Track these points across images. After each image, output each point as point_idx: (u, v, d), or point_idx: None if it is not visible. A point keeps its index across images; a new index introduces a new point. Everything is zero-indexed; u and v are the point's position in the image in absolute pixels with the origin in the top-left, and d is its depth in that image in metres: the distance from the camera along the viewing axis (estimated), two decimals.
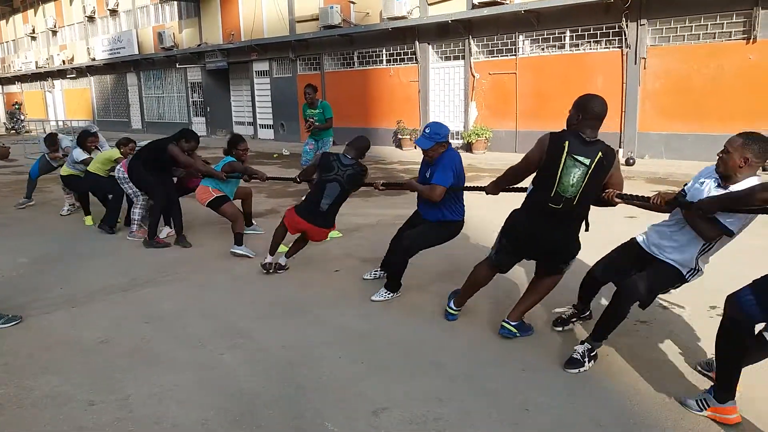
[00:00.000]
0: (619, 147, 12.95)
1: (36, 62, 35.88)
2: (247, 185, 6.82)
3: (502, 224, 3.87)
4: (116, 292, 5.11)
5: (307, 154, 9.08)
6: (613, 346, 3.75)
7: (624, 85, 12.90)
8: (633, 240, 3.70)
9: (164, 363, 3.71)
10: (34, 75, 36.40)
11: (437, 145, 4.45)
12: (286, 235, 5.38)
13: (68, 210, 8.55)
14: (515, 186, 4.08)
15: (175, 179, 6.87)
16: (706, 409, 2.97)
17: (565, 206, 3.43)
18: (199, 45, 23.87)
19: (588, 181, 3.37)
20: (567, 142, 3.36)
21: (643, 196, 3.48)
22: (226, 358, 3.77)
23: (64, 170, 7.91)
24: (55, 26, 33.98)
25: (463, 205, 4.70)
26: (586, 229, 3.68)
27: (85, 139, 7.67)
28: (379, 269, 5.28)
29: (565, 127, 3.48)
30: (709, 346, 3.67)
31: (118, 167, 6.92)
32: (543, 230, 3.59)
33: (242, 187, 6.86)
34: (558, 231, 3.59)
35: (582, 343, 3.56)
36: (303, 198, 5.47)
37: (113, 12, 28.59)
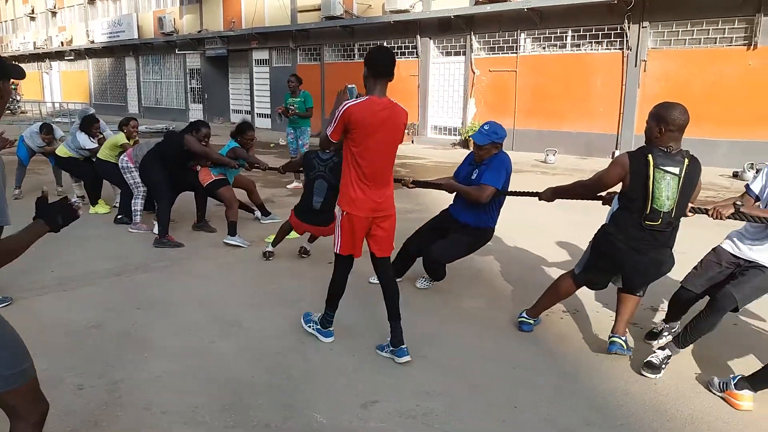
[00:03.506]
0: (616, 149, 12.98)
1: (34, 43, 35.64)
2: (247, 174, 6.79)
3: (591, 240, 3.70)
4: (109, 277, 5.10)
5: (291, 143, 9.86)
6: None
7: (623, 87, 12.93)
8: (719, 248, 3.62)
9: (155, 349, 3.71)
10: (31, 56, 36.16)
11: (491, 144, 4.34)
12: (291, 230, 5.47)
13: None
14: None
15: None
16: (724, 391, 3.15)
17: (663, 221, 3.26)
18: (199, 31, 23.75)
19: (681, 191, 3.23)
20: (650, 156, 3.20)
21: (706, 209, 3.48)
22: (217, 346, 3.76)
23: (62, 151, 7.67)
24: (54, 7, 33.76)
25: (499, 213, 4.57)
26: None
27: (91, 125, 7.48)
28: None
29: (645, 141, 3.32)
30: (704, 347, 3.70)
31: (122, 157, 6.71)
32: (642, 250, 3.39)
33: (243, 177, 6.85)
34: (657, 250, 3.39)
35: (662, 348, 3.49)
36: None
37: None
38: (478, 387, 3.29)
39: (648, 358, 3.46)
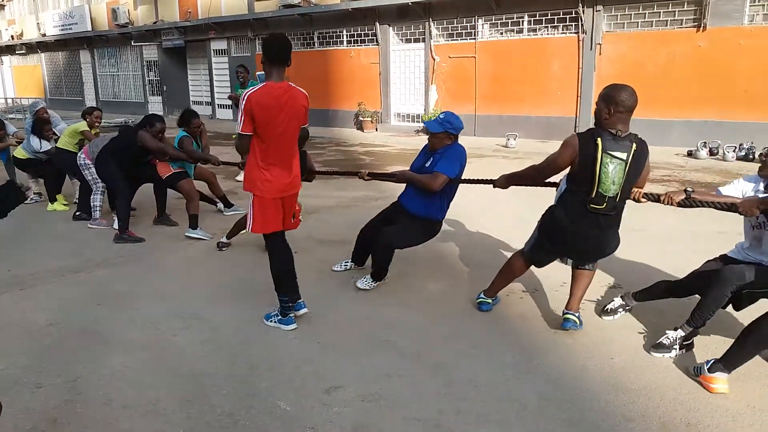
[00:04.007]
0: (575, 131, 13.20)
1: None
2: (207, 165, 6.74)
3: (539, 220, 3.79)
4: (67, 274, 5.02)
5: None
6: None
7: (580, 70, 13.14)
8: (724, 256, 3.62)
9: (115, 344, 3.68)
10: None
11: (445, 134, 4.31)
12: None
13: (33, 199, 7.88)
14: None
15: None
16: (698, 375, 3.16)
17: (609, 205, 3.34)
18: (155, 22, 23.23)
19: (627, 176, 3.29)
20: (599, 139, 3.24)
21: (659, 195, 3.52)
22: (178, 339, 3.75)
23: (20, 153, 7.50)
24: (2, 0, 32.56)
25: (449, 206, 4.56)
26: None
27: (42, 127, 7.29)
28: (349, 261, 5.05)
29: (594, 122, 3.37)
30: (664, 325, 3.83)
31: (79, 154, 6.58)
32: (587, 232, 3.48)
33: (203, 168, 6.78)
34: (602, 231, 3.48)
35: (675, 329, 3.48)
36: None
37: None
38: (439, 368, 3.36)
39: (659, 339, 3.49)
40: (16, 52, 32.24)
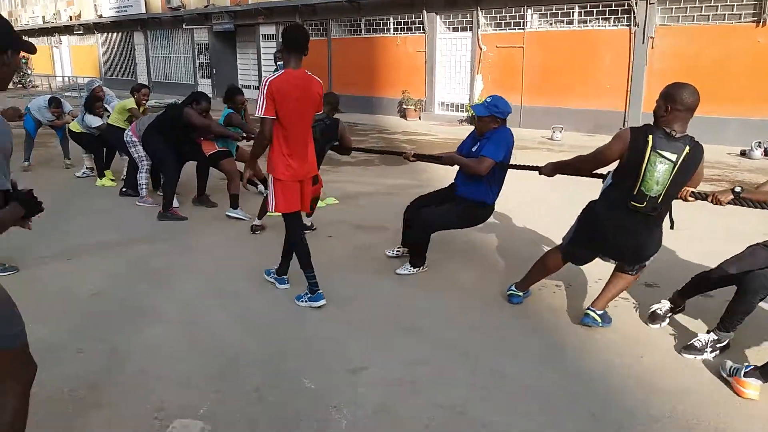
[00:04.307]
0: (623, 126, 12.90)
1: (43, 17, 35.57)
2: (249, 146, 6.82)
3: (579, 214, 3.73)
4: (112, 248, 5.21)
5: None
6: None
7: (631, 64, 12.79)
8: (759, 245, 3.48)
9: (152, 317, 3.82)
10: (41, 30, 36.12)
11: (491, 117, 4.27)
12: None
13: (84, 173, 8.33)
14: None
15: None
16: (732, 375, 3.08)
17: (649, 205, 3.26)
18: (206, 6, 23.60)
19: (674, 178, 3.19)
20: (651, 137, 3.16)
21: (706, 194, 3.40)
22: (213, 316, 3.87)
23: (75, 126, 7.80)
24: None
25: (500, 191, 4.50)
26: (671, 227, 3.54)
27: (93, 104, 7.57)
28: (401, 246, 5.04)
29: (653, 120, 3.28)
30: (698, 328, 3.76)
31: (127, 131, 6.76)
32: (623, 229, 3.42)
33: (245, 149, 6.85)
34: (640, 231, 3.41)
35: (708, 332, 3.40)
36: None
37: None
38: (465, 357, 3.37)
39: (691, 341, 3.42)
40: (74, 32, 33.27)
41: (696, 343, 3.39)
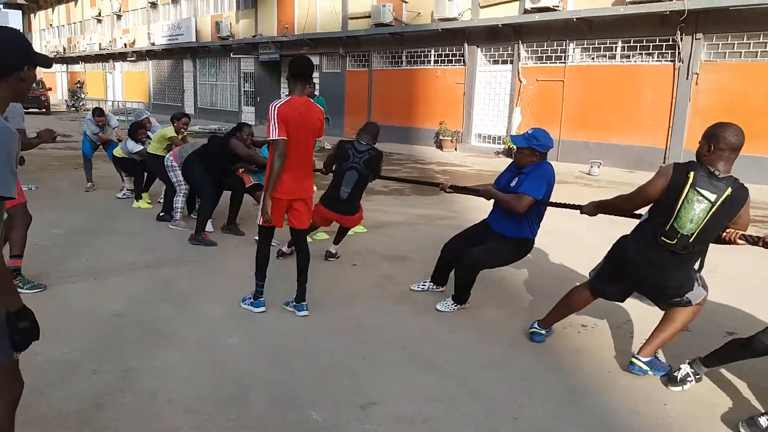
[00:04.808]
0: (664, 163, 12.60)
1: (99, 44, 37.19)
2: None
3: (609, 248, 3.64)
4: (140, 269, 5.28)
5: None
6: (619, 363, 3.67)
7: (673, 100, 12.56)
8: None
9: (171, 340, 3.83)
10: (97, 56, 37.78)
11: (530, 150, 4.12)
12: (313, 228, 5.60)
13: (125, 194, 8.58)
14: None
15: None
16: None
17: (680, 243, 3.16)
18: (254, 36, 24.31)
19: (710, 219, 3.09)
20: (693, 173, 3.09)
21: (758, 238, 3.23)
22: (230, 341, 3.85)
23: (117, 151, 8.11)
24: (119, 10, 35.19)
25: (539, 225, 4.36)
26: (699, 270, 3.42)
27: (136, 131, 7.84)
28: (428, 281, 4.91)
29: (695, 159, 3.21)
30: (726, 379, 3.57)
31: (167, 156, 6.90)
32: (650, 264, 3.31)
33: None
34: (666, 268, 3.28)
35: (689, 363, 3.38)
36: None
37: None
38: (481, 396, 3.26)
39: (672, 372, 3.40)
40: (128, 58, 34.64)
41: (678, 375, 3.36)
